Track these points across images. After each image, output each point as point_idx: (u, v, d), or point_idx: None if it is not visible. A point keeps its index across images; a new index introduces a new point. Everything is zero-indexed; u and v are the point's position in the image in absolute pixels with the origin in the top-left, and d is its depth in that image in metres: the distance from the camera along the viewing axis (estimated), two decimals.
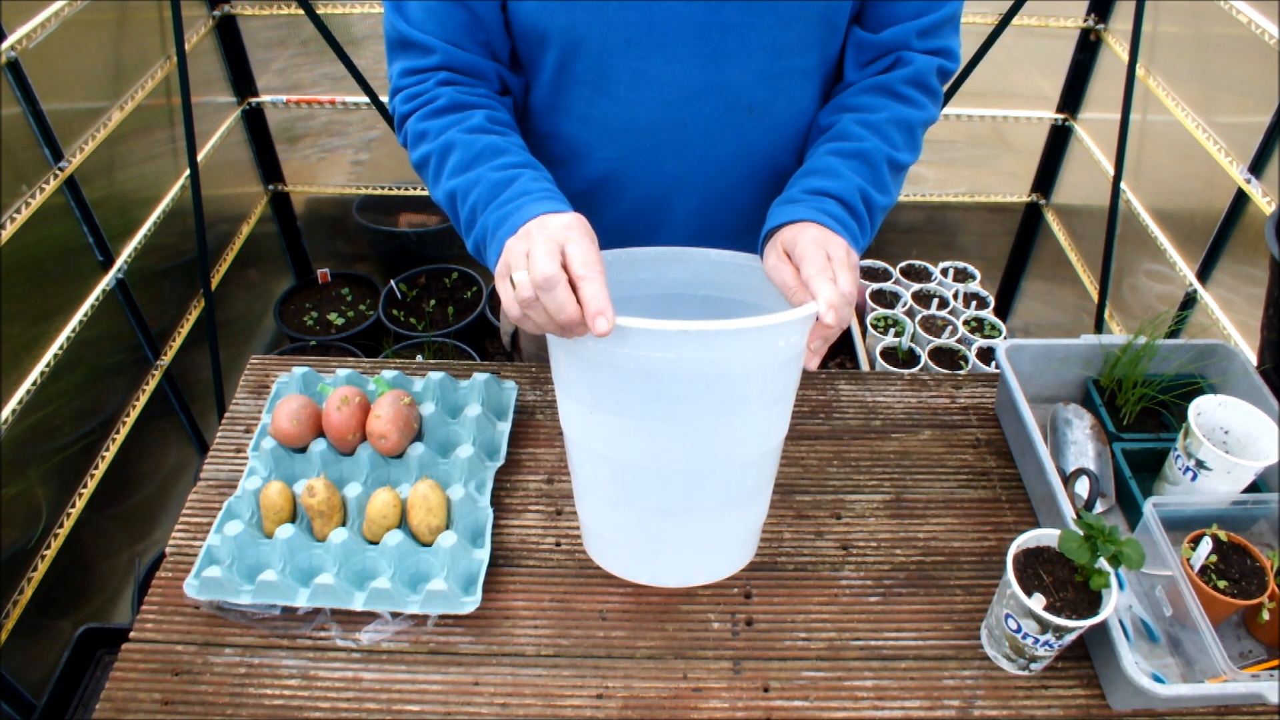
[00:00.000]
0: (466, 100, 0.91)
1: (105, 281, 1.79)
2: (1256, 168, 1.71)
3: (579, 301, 0.69)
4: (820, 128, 0.96)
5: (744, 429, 0.82)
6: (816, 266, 0.76)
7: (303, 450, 1.05)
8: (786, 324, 0.71)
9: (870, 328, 2.42)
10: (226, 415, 1.17)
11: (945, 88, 0.99)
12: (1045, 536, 0.88)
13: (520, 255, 0.73)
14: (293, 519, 0.99)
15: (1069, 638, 0.83)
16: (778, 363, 0.77)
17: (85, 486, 1.71)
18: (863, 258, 2.14)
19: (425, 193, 2.53)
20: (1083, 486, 1.04)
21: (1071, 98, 2.36)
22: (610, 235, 1.07)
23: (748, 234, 1.05)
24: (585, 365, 0.77)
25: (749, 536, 0.97)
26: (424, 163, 0.90)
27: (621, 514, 0.90)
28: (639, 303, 0.91)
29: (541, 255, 0.70)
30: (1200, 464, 0.99)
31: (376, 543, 0.97)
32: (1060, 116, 2.40)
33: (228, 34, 2.22)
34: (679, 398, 0.76)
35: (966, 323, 2.45)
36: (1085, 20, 2.22)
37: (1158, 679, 0.87)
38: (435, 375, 1.12)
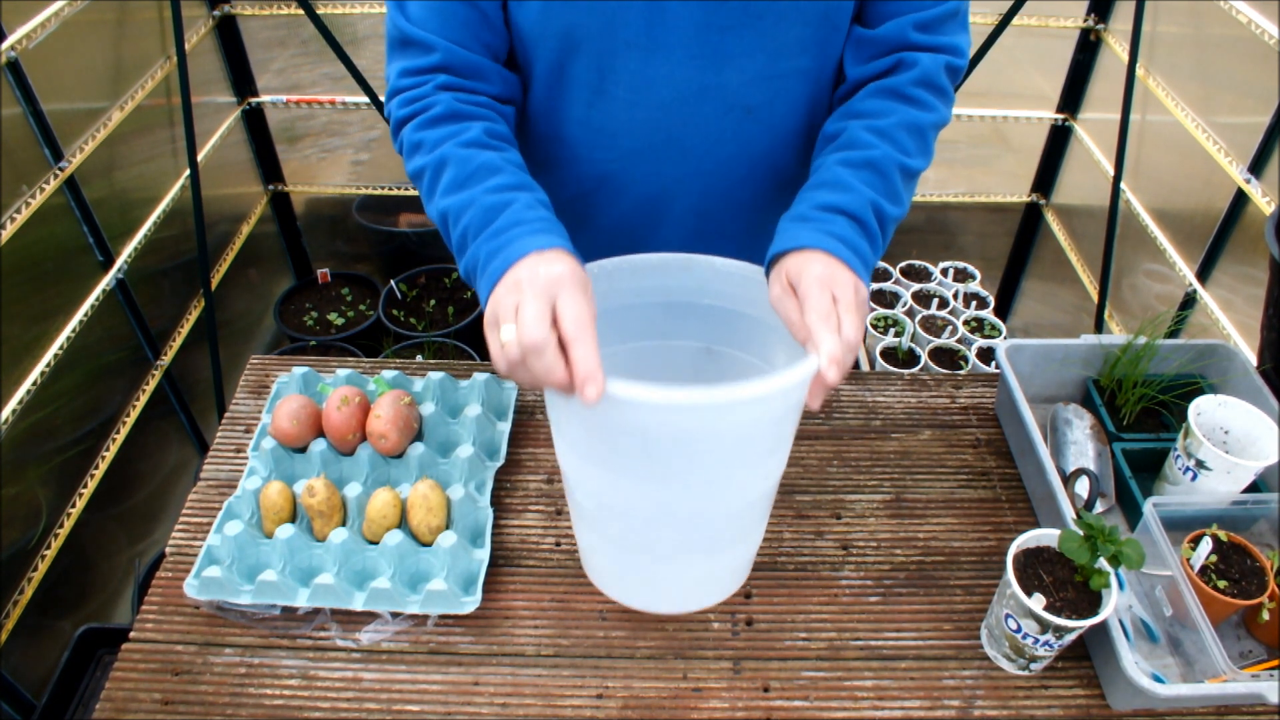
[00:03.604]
0: (464, 110, 0.88)
1: (105, 281, 1.79)
2: (1256, 168, 1.71)
3: (568, 363, 0.67)
4: (828, 135, 0.93)
5: (738, 478, 0.81)
6: (820, 312, 0.72)
7: (303, 450, 1.05)
8: (784, 389, 0.69)
9: (870, 328, 2.42)
10: (226, 415, 1.17)
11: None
12: (1045, 536, 0.88)
13: (510, 309, 0.69)
14: (293, 519, 0.99)
15: (1069, 638, 0.83)
16: (774, 419, 0.75)
17: (85, 486, 1.71)
18: None
19: None
20: (1083, 486, 1.04)
21: (1071, 98, 2.36)
22: (608, 236, 1.06)
23: (747, 235, 1.04)
24: (576, 410, 0.75)
25: (744, 565, 0.97)
26: (418, 175, 0.87)
27: (615, 550, 0.90)
28: (641, 310, 0.90)
29: (531, 316, 0.67)
30: (1200, 464, 0.99)
31: (376, 543, 0.97)
32: (1060, 116, 2.40)
33: (228, 34, 2.22)
34: (670, 456, 0.76)
35: (966, 323, 2.45)
36: (1085, 20, 2.23)
37: (1158, 679, 0.87)
38: (435, 375, 1.12)
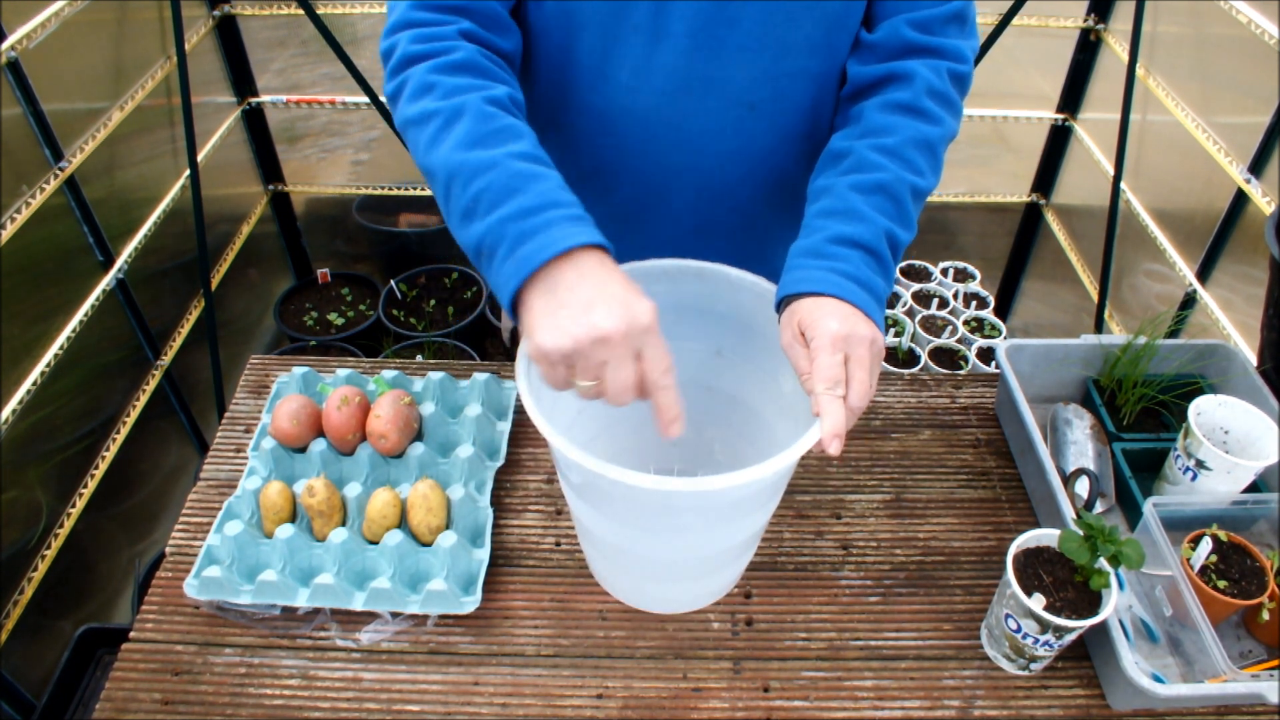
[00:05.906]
0: (489, 66, 0.80)
1: (105, 281, 1.79)
2: (1256, 168, 1.71)
3: (655, 405, 0.69)
4: (834, 153, 0.88)
5: (730, 529, 0.82)
6: (829, 379, 0.69)
7: (303, 450, 1.05)
8: (780, 470, 0.69)
9: None
10: (226, 415, 1.17)
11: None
12: (1045, 536, 0.88)
13: (592, 366, 0.66)
14: (293, 519, 0.99)
15: (1069, 638, 0.83)
16: (765, 485, 0.75)
17: (85, 486, 1.71)
18: None
19: (426, 193, 2.53)
20: (1083, 486, 1.04)
21: (1071, 98, 2.36)
22: (604, 225, 1.05)
23: (746, 232, 1.04)
24: (574, 464, 0.73)
25: (738, 573, 0.97)
26: (424, 119, 0.76)
27: (613, 560, 0.91)
28: None
29: (623, 384, 0.67)
30: (1200, 464, 0.99)
31: (376, 543, 0.97)
32: (1060, 116, 2.40)
33: (228, 34, 2.22)
34: (665, 525, 0.77)
35: (966, 323, 2.45)
36: (1085, 20, 2.23)
37: (1158, 679, 0.87)
38: (435, 375, 1.12)
